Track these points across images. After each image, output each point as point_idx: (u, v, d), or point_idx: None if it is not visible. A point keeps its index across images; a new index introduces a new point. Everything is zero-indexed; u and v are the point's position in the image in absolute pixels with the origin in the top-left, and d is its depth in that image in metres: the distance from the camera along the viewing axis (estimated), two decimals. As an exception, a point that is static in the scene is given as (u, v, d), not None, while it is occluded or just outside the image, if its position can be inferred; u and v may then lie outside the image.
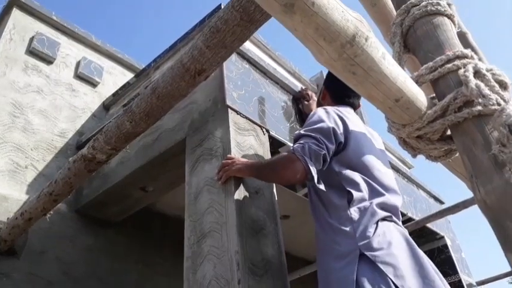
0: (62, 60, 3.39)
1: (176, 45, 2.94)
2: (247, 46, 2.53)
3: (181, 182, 2.57)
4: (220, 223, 1.73)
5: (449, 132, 0.88)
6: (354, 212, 1.38)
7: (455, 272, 3.61)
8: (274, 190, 2.03)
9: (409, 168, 4.87)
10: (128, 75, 3.85)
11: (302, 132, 1.53)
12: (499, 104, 0.71)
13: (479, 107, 0.73)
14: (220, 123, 2.03)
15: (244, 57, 2.40)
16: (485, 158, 0.69)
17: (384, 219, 1.39)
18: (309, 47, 0.71)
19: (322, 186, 1.43)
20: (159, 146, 2.36)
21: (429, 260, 1.35)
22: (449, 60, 0.82)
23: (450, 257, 3.69)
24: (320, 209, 1.52)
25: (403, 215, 3.28)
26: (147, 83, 3.05)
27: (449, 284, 1.30)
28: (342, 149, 1.53)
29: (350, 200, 1.41)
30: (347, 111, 1.68)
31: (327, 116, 1.56)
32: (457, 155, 0.93)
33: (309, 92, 2.28)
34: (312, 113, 1.63)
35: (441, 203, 4.21)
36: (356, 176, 1.47)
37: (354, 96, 1.79)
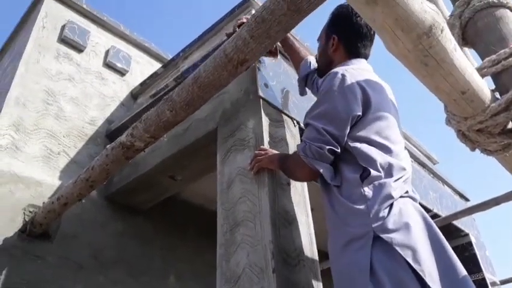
0: (92, 48, 3.44)
1: (204, 35, 2.96)
2: (278, 37, 2.52)
3: (208, 172, 2.61)
4: (253, 213, 1.75)
5: (510, 125, 0.87)
6: (368, 189, 1.25)
7: (479, 269, 3.57)
8: (305, 182, 2.04)
9: (434, 164, 4.82)
10: (155, 65, 3.89)
11: (308, 119, 1.45)
12: None
13: (544, 101, 0.72)
14: (252, 114, 2.04)
15: (276, 48, 2.40)
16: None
17: (401, 197, 1.26)
18: (383, 37, 0.71)
19: (337, 182, 1.35)
20: (190, 136, 2.38)
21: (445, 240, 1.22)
22: (512, 54, 0.81)
23: (474, 255, 3.64)
24: (329, 187, 1.39)
25: (428, 210, 3.25)
26: (175, 73, 3.08)
27: (473, 281, 1.18)
28: (358, 121, 1.38)
29: (365, 176, 1.28)
30: (363, 69, 1.54)
31: (342, 88, 1.38)
32: (516, 149, 0.92)
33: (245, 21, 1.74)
34: (326, 82, 1.45)
35: (467, 200, 4.16)
36: (372, 151, 1.32)
37: (369, 46, 1.63)
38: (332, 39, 1.64)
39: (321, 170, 1.36)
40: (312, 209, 3.58)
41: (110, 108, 3.30)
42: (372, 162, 1.30)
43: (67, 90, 3.05)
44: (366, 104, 1.38)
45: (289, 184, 1.91)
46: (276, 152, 1.80)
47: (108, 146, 1.83)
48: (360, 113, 1.37)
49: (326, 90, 1.42)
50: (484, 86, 0.86)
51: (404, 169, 1.35)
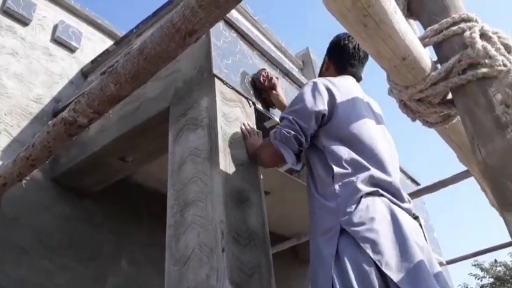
0: (38, 22, 3.23)
1: (159, 11, 2.85)
2: (235, 15, 2.46)
3: (161, 153, 2.53)
4: (204, 193, 1.71)
5: (449, 96, 0.87)
6: (338, 188, 1.38)
7: (427, 250, 3.71)
8: (259, 163, 2.01)
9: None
10: (108, 43, 3.71)
11: (282, 114, 1.63)
12: (505, 66, 0.70)
13: (483, 69, 0.72)
14: (206, 92, 1.99)
15: (232, 26, 2.34)
16: (487, 120, 0.69)
17: (370, 194, 1.36)
18: (322, -7, 0.68)
19: (298, 167, 1.54)
20: (141, 115, 2.29)
21: (418, 234, 1.34)
22: (454, 23, 0.81)
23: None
24: (309, 185, 1.54)
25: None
26: (128, 50, 2.95)
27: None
28: (327, 121, 1.54)
29: (335, 174, 1.40)
30: (343, 80, 1.70)
31: (311, 91, 1.58)
32: (454, 121, 0.93)
33: (272, 76, 2.19)
34: (302, 89, 1.66)
35: (417, 184, 4.31)
36: (341, 150, 1.46)
37: (357, 65, 1.80)
38: (326, 63, 1.86)
39: (283, 151, 1.52)
40: (267, 192, 3.60)
41: (58, 86, 3.12)
42: (340, 161, 1.43)
43: (9, 65, 2.85)
44: (332, 104, 1.54)
45: (242, 165, 1.88)
46: (255, 139, 1.90)
47: (50, 122, 1.72)
48: (325, 110, 1.52)
49: (299, 93, 1.64)
50: (425, 55, 0.86)
51: (376, 168, 1.44)
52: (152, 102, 2.27)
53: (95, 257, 2.69)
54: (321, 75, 1.89)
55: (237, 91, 2.10)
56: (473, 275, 17.47)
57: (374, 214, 1.30)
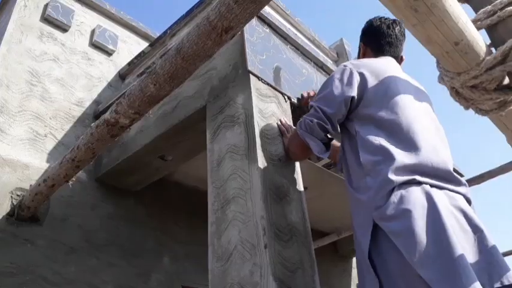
0: (76, 28, 3.34)
1: (192, 11, 2.87)
2: (267, 10, 2.45)
3: (199, 151, 2.56)
4: (244, 189, 1.71)
5: (506, 81, 0.82)
6: (369, 179, 1.28)
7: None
8: (297, 158, 1.99)
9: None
10: (143, 45, 3.79)
11: (311, 103, 1.60)
12: None
13: (543, 52, 0.68)
14: (242, 89, 1.99)
15: (265, 21, 2.33)
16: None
17: (404, 183, 1.22)
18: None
19: (326, 155, 1.51)
20: (178, 114, 2.32)
21: (465, 216, 1.18)
22: (509, 3, 0.76)
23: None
24: (345, 177, 1.47)
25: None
26: (163, 51, 2.99)
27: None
28: (358, 104, 1.44)
29: (366, 164, 1.31)
30: (380, 61, 1.59)
31: (339, 75, 1.52)
32: (511, 107, 0.87)
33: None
34: (332, 73, 1.61)
35: (461, 176, 4.15)
36: (372, 136, 1.34)
37: (395, 44, 1.71)
38: (362, 48, 1.79)
39: (308, 140, 1.50)
40: (306, 188, 3.56)
41: (97, 89, 3.22)
42: (370, 147, 1.32)
43: (51, 71, 2.97)
44: (363, 87, 1.45)
45: (280, 160, 1.86)
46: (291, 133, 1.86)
47: (93, 124, 1.77)
48: (353, 94, 1.44)
49: (328, 78, 1.58)
50: (479, 38, 0.81)
51: (415, 151, 1.29)
52: (190, 101, 2.29)
53: (138, 254, 2.76)
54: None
55: (272, 86, 2.08)
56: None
57: (408, 205, 1.16)
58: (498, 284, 1.05)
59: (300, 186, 1.91)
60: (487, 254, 1.11)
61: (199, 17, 2.79)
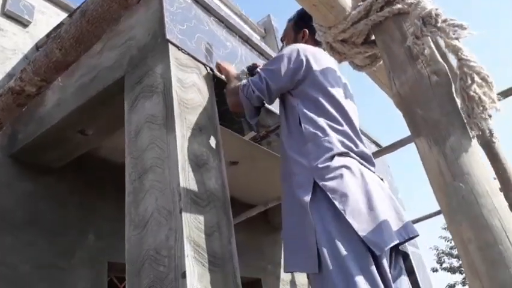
0: (-15, -5, 3.08)
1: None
2: (189, -19, 2.41)
3: (121, 125, 2.49)
4: (162, 158, 1.72)
5: (373, 37, 0.90)
6: (310, 145, 1.47)
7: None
8: (218, 128, 2.02)
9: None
10: (63, 16, 3.58)
11: (259, 69, 1.75)
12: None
13: (398, 5, 0.75)
14: (161, 58, 1.96)
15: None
16: (401, 52, 0.72)
17: (341, 154, 1.47)
18: None
19: (253, 121, 1.70)
20: (97, 85, 2.25)
21: (385, 189, 1.50)
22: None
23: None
24: (283, 143, 1.62)
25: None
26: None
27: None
28: (302, 83, 1.63)
29: (308, 134, 1.50)
30: (322, 53, 1.77)
31: (290, 54, 1.67)
32: (381, 63, 0.96)
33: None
34: (283, 50, 1.76)
35: (380, 147, 4.42)
36: (314, 112, 1.55)
37: None
38: (302, 33, 1.92)
39: (245, 105, 1.66)
40: (236, 162, 3.63)
41: (11, 61, 3.01)
42: (313, 121, 1.52)
43: (-44, 41, 2.72)
44: (308, 71, 1.63)
45: (201, 130, 1.88)
46: (231, 71, 1.99)
47: (-4, 93, 1.67)
48: (299, 75, 1.62)
49: (279, 54, 1.72)
50: (344, -9, 0.87)
51: (346, 133, 1.55)
52: (108, 72, 2.23)
53: (60, 232, 2.67)
54: (296, 42, 1.94)
55: (193, 57, 2.08)
56: (443, 238, 18.27)
57: (346, 170, 1.41)
58: (406, 237, 1.37)
59: (221, 156, 1.94)
60: (399, 217, 1.42)
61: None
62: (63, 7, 3.71)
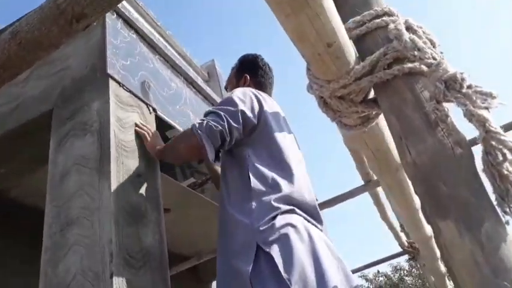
0: None
1: None
2: (135, 15, 2.26)
3: (43, 164, 2.18)
4: (91, 209, 1.47)
5: (371, 95, 0.82)
6: (255, 204, 1.34)
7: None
8: (159, 174, 1.83)
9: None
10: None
11: (210, 109, 1.56)
12: (434, 59, 0.66)
13: (409, 64, 0.67)
14: (99, 94, 1.75)
15: (132, 26, 2.14)
16: (416, 118, 0.63)
17: (286, 212, 1.35)
18: None
19: (218, 165, 1.56)
20: (18, 117, 1.95)
21: (333, 250, 1.36)
22: (377, 16, 0.76)
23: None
24: (223, 198, 1.47)
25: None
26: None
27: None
28: (254, 131, 1.52)
29: (253, 190, 1.37)
30: (268, 97, 1.74)
31: (243, 96, 1.57)
32: (373, 124, 0.88)
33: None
34: (232, 92, 1.63)
35: (316, 199, 4.42)
36: (263, 166, 1.44)
37: (272, 86, 1.93)
38: (244, 78, 1.88)
39: (206, 145, 1.40)
40: (168, 209, 3.37)
41: None
42: (261, 177, 1.40)
43: None
44: (260, 116, 1.54)
45: (140, 176, 1.67)
46: (153, 142, 1.73)
47: None
48: (254, 118, 1.52)
49: (230, 96, 1.57)
50: (350, 45, 0.79)
51: (293, 188, 1.43)
52: (34, 103, 1.95)
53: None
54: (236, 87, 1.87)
55: (135, 95, 1.89)
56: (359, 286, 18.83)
57: (290, 230, 1.28)
58: None
59: (160, 207, 1.74)
60: (347, 280, 1.28)
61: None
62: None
